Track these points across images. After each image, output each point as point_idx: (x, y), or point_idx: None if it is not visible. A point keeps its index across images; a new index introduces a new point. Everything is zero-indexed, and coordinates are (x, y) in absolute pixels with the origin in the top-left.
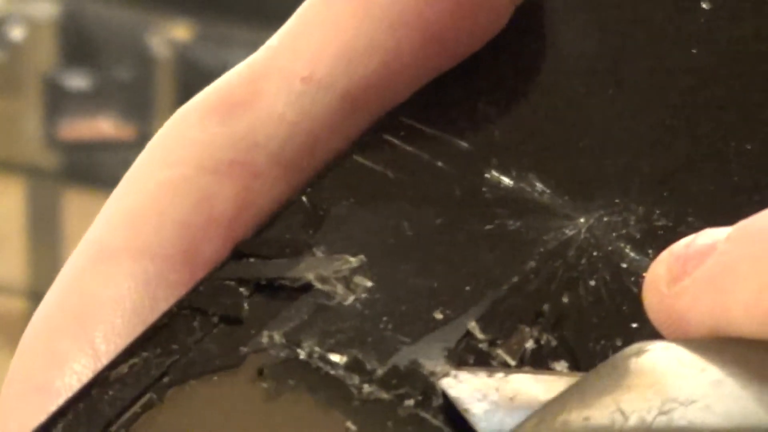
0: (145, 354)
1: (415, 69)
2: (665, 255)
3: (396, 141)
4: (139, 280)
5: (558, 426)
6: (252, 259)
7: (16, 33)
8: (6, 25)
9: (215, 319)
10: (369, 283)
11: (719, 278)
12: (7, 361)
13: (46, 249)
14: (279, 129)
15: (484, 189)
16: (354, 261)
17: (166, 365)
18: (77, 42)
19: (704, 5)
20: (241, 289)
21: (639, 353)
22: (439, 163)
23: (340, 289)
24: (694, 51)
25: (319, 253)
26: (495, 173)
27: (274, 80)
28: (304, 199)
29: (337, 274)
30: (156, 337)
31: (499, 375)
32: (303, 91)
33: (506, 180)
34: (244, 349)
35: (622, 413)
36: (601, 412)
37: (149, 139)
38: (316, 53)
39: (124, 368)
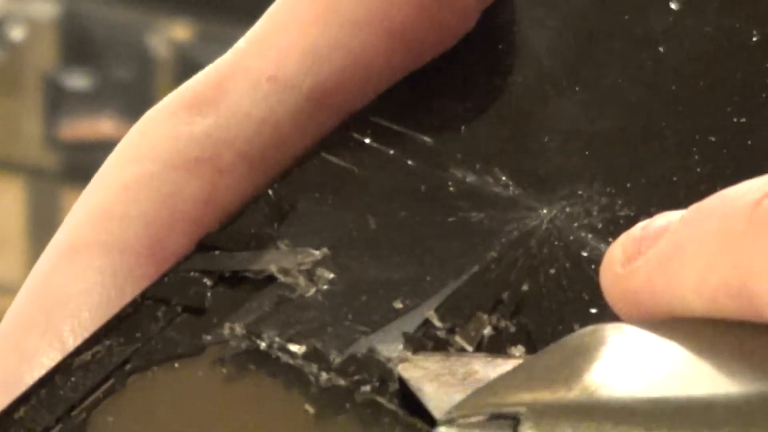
0: (108, 342)
1: (381, 69)
2: (622, 237)
3: (363, 138)
4: (106, 274)
5: (503, 397)
6: (216, 252)
7: (16, 33)
8: (6, 25)
9: (179, 309)
10: (331, 275)
11: (670, 258)
12: None
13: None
14: (245, 127)
15: (449, 183)
16: (317, 254)
17: (129, 352)
18: (77, 42)
19: (673, 5)
20: (205, 280)
21: (589, 333)
22: (405, 160)
23: (302, 281)
24: (661, 49)
25: (283, 247)
26: (460, 168)
27: (241, 80)
28: (270, 193)
29: (300, 266)
30: (119, 326)
31: (453, 358)
32: (269, 90)
33: (471, 174)
34: (206, 338)
35: (567, 385)
36: (546, 384)
37: None
38: (281, 54)
39: (87, 355)
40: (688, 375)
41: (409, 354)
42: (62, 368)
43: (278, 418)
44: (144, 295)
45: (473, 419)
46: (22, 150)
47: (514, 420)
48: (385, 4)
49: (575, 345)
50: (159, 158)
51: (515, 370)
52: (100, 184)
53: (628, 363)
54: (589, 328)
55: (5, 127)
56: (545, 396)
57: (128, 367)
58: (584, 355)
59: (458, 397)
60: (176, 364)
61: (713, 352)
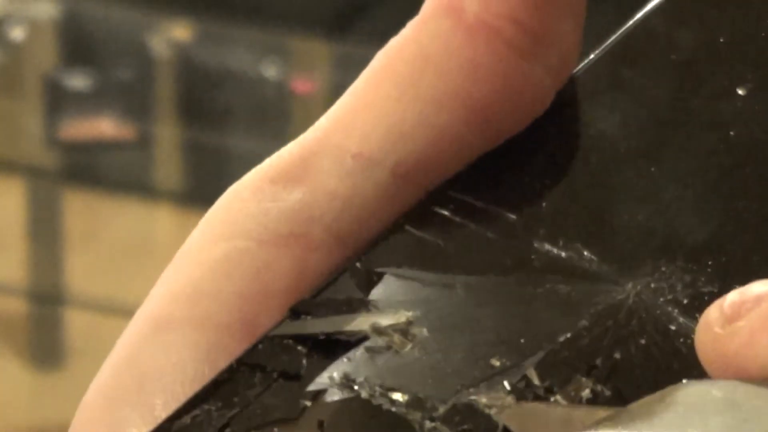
0: (206, 406)
1: (462, 146)
2: (718, 302)
3: (446, 213)
4: (200, 349)
5: None
6: (309, 317)
7: (16, 33)
8: (6, 25)
9: (275, 375)
10: (426, 334)
11: None
12: (7, 362)
13: (46, 249)
14: (332, 203)
15: (533, 257)
16: (410, 314)
17: (228, 417)
18: (77, 42)
19: (740, 91)
20: (299, 348)
21: (683, 387)
22: (489, 234)
23: (397, 339)
24: (731, 133)
25: (374, 310)
26: (543, 243)
27: (326, 157)
28: (357, 265)
29: (395, 326)
30: (217, 391)
31: (554, 407)
32: (354, 167)
33: (554, 249)
34: (304, 402)
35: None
36: (649, 426)
37: (149, 139)
38: (366, 131)
39: (186, 419)
40: None
41: (512, 402)
42: None
43: None
44: (239, 362)
45: None
46: (23, 150)
47: None
48: (468, 83)
49: (670, 400)
50: (248, 234)
51: (618, 413)
52: (188, 260)
53: (734, 417)
54: (682, 383)
55: (5, 127)
56: None
57: (228, 431)
58: (688, 406)
59: None
60: (275, 429)
61: None
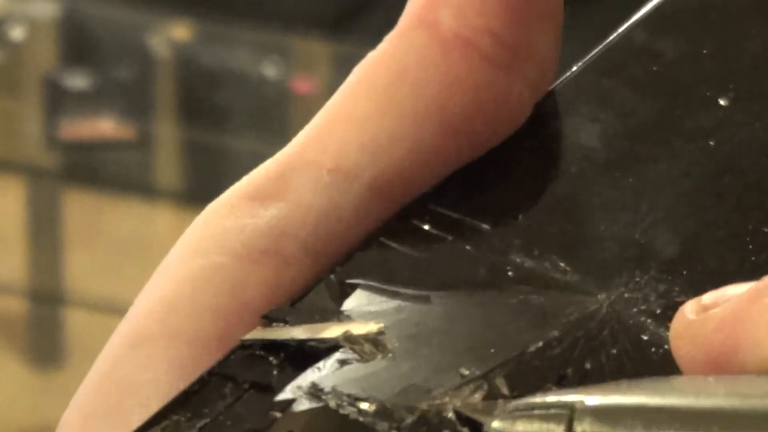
0: (175, 417)
1: (439, 159)
2: (696, 298)
3: (422, 225)
4: (174, 364)
5: (559, 395)
6: (281, 325)
7: (16, 33)
8: (6, 25)
9: (245, 386)
10: (396, 344)
11: (751, 302)
12: (7, 361)
13: (46, 249)
14: (308, 219)
15: (507, 268)
16: (381, 325)
17: (198, 427)
18: (77, 42)
19: (721, 102)
20: (271, 359)
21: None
22: (464, 245)
23: (367, 348)
24: (711, 143)
25: (346, 320)
26: (519, 254)
27: (302, 173)
28: (331, 277)
29: (365, 335)
30: (187, 402)
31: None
32: (330, 182)
33: (529, 260)
34: (273, 413)
35: (623, 393)
36: (604, 390)
37: (149, 139)
38: (341, 146)
39: (156, 430)
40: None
41: (477, 402)
42: None
43: None
44: (211, 373)
45: (527, 412)
46: (22, 150)
47: (570, 410)
48: (442, 97)
49: (632, 382)
50: (224, 250)
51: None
52: (166, 275)
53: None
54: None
55: (5, 127)
56: (604, 397)
57: None
58: (642, 385)
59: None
60: None
61: None
